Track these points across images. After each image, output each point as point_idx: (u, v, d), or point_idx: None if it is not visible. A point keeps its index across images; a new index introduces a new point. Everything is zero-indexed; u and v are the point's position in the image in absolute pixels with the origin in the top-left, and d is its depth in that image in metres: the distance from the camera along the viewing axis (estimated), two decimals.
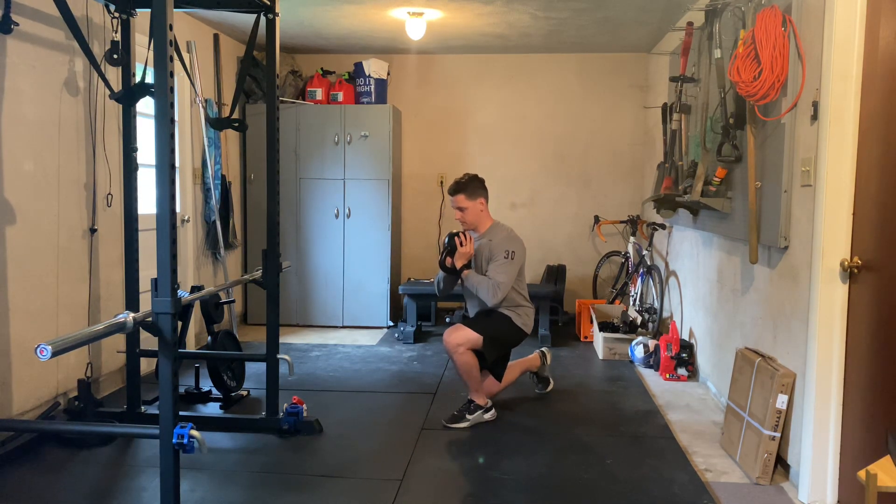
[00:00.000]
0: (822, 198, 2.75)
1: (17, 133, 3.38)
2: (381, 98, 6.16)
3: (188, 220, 5.15)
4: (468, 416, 3.77)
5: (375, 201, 6.07)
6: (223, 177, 5.54)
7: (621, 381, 4.61)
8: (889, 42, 2.49)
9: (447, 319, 6.18)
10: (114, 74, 3.85)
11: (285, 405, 3.60)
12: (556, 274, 6.15)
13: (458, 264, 3.80)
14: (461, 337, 3.72)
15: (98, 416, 3.54)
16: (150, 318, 2.46)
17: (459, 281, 3.87)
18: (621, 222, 6.44)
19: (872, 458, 2.12)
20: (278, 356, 3.69)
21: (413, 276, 6.69)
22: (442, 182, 6.66)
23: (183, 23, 5.04)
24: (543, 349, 4.38)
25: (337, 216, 6.09)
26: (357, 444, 3.50)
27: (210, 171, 5.33)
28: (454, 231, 3.85)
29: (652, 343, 4.90)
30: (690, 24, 4.25)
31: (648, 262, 5.65)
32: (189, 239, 5.16)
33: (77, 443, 3.40)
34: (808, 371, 2.85)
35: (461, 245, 3.79)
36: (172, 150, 2.41)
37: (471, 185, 3.88)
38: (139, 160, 3.58)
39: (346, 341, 5.67)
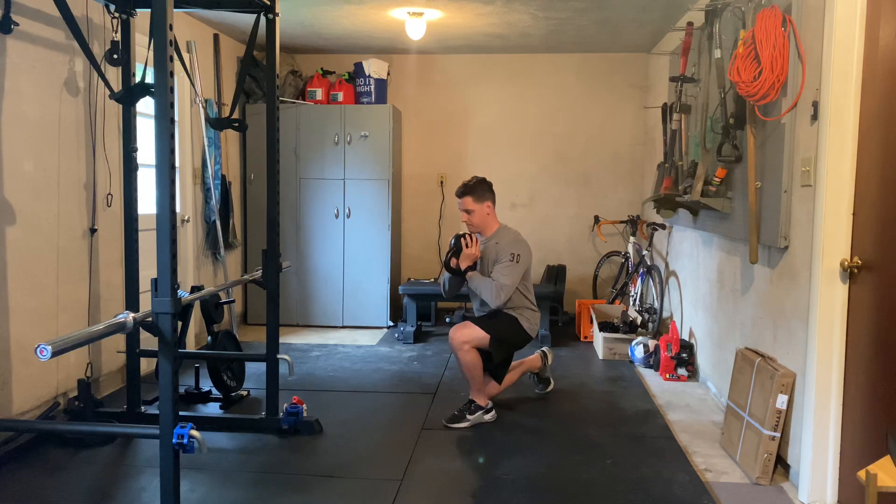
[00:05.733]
0: (822, 198, 2.75)
1: (17, 133, 3.38)
2: (381, 98, 6.16)
3: (188, 220, 5.15)
4: (468, 416, 3.77)
5: (375, 201, 6.07)
6: (223, 177, 5.54)
7: (621, 381, 4.61)
8: (889, 42, 2.49)
9: (447, 319, 6.18)
10: (114, 74, 3.85)
11: (285, 405, 3.60)
12: (556, 274, 6.15)
13: (463, 265, 3.80)
14: (467, 335, 3.72)
15: (98, 416, 3.54)
16: (150, 318, 2.46)
17: (465, 282, 3.88)
18: (621, 222, 6.44)
19: (872, 458, 2.12)
20: (278, 356, 3.70)
21: (413, 276, 6.69)
22: (442, 182, 6.66)
23: (183, 23, 5.04)
24: (545, 349, 4.38)
25: (337, 216, 6.09)
26: (357, 444, 3.50)
27: (210, 171, 5.33)
28: (460, 233, 3.86)
29: (652, 343, 4.90)
30: (690, 24, 4.25)
31: (648, 263, 5.65)
32: (189, 239, 5.16)
33: (77, 443, 3.40)
34: (808, 371, 2.85)
35: (466, 246, 3.79)
36: (172, 150, 2.41)
37: (479, 188, 3.88)
38: (139, 160, 3.58)
39: (346, 341, 5.67)
